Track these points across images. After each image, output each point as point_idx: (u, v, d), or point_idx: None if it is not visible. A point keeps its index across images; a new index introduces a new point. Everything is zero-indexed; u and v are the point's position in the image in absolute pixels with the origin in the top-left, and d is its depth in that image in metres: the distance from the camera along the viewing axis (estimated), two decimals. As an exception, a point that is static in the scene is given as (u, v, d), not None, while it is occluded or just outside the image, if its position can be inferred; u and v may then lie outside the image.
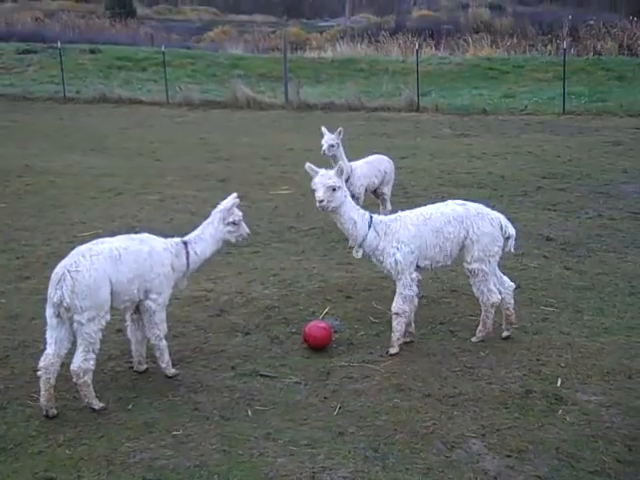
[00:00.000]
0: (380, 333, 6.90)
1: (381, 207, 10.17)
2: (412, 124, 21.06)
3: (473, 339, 6.69)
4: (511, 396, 5.68)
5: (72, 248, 5.67)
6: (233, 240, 6.31)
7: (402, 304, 6.39)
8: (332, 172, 6.28)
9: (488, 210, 6.64)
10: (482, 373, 6.08)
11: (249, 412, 5.54)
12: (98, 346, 5.49)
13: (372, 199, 10.29)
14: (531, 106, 22.92)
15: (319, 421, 5.38)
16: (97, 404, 5.55)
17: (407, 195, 12.33)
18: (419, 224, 6.38)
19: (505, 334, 6.74)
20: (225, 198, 6.28)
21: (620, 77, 26.11)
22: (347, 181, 8.80)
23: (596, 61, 28.10)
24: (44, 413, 5.44)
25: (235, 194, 6.28)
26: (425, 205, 6.77)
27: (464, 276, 6.86)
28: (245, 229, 6.30)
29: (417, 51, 26.02)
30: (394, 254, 6.30)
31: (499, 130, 19.62)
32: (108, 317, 5.52)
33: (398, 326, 6.43)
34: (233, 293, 8.07)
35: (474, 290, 6.62)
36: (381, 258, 6.39)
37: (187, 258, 6.07)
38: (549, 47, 31.16)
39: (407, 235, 6.32)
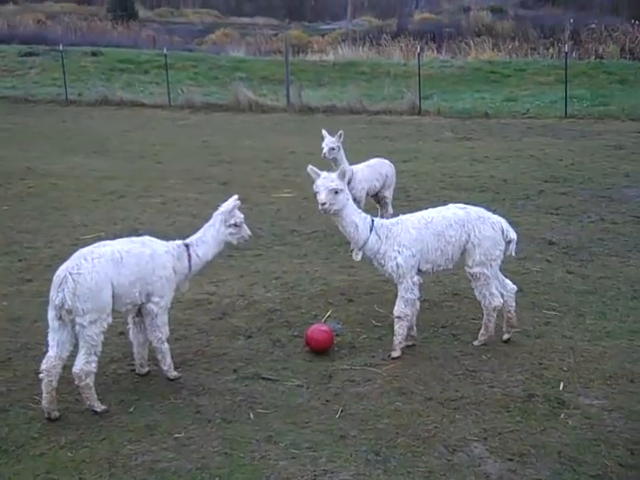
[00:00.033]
0: (382, 336, 6.89)
1: (381, 211, 10.13)
2: (414, 127, 21.06)
3: (475, 343, 6.69)
4: (513, 400, 5.67)
5: (74, 251, 5.66)
6: (235, 242, 6.32)
7: (404, 308, 6.39)
8: (334, 175, 6.28)
9: (489, 214, 6.64)
10: (484, 377, 6.07)
11: (251, 415, 5.53)
12: (100, 349, 5.49)
13: (371, 203, 10.26)
14: (533, 110, 22.91)
15: (321, 424, 5.38)
16: (99, 406, 5.55)
17: (409, 198, 12.33)
18: (420, 228, 6.38)
19: (506, 337, 6.75)
20: (226, 200, 6.29)
21: (622, 81, 26.12)
22: (348, 184, 8.79)
23: (598, 65, 28.11)
24: (46, 415, 5.44)
25: (236, 196, 6.29)
26: (427, 209, 6.77)
27: (466, 280, 6.86)
28: (247, 231, 6.30)
29: (419, 54, 26.05)
30: (395, 258, 6.30)
31: (501, 134, 19.63)
32: (110, 320, 5.52)
33: (400, 330, 6.43)
34: (235, 296, 8.07)
35: (476, 294, 6.62)
36: (382, 262, 6.39)
37: (189, 261, 6.07)
38: (551, 50, 31.18)
39: (408, 239, 6.32)
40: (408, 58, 30.56)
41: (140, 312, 5.94)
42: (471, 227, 6.44)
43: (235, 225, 6.20)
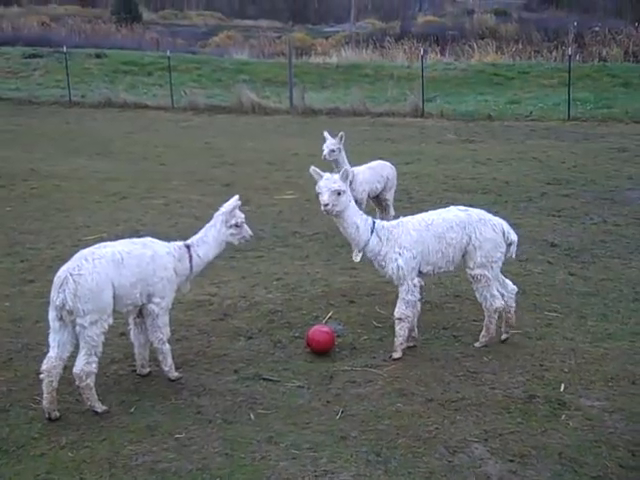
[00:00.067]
0: (383, 338, 6.89)
1: (382, 213, 10.09)
2: (417, 130, 21.07)
3: (476, 344, 6.68)
4: (514, 401, 5.66)
5: (76, 252, 5.67)
6: (236, 242, 6.32)
7: (405, 309, 6.38)
8: (337, 176, 6.28)
9: (490, 216, 6.64)
10: (485, 378, 6.07)
11: (251, 416, 5.53)
12: (101, 349, 5.49)
13: (371, 206, 10.23)
14: (536, 112, 22.92)
15: (321, 425, 5.38)
16: (100, 407, 5.55)
17: (412, 200, 12.33)
18: (421, 230, 6.38)
19: (504, 336, 6.75)
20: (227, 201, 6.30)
21: (626, 83, 26.10)
22: (349, 186, 8.80)
23: (601, 67, 28.11)
24: (47, 416, 5.45)
25: (237, 196, 6.29)
26: (429, 211, 6.77)
27: (467, 281, 6.85)
28: (248, 231, 6.30)
29: (422, 57, 26.04)
30: (396, 259, 6.29)
31: (504, 136, 19.62)
32: (111, 320, 5.53)
33: (401, 331, 6.43)
34: (236, 297, 8.07)
35: (477, 296, 6.62)
36: (383, 263, 6.39)
37: (190, 261, 6.07)
38: (554, 53, 31.16)
39: (409, 241, 6.32)
40: (411, 61, 30.55)
41: (141, 313, 5.95)
42: (472, 229, 6.44)
43: (236, 225, 6.20)
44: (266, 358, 6.55)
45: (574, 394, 5.77)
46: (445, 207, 6.79)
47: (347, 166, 9.03)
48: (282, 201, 12.65)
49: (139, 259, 5.72)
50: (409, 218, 6.57)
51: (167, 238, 6.31)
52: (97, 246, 5.69)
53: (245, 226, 6.27)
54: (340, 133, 9.55)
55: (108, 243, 5.80)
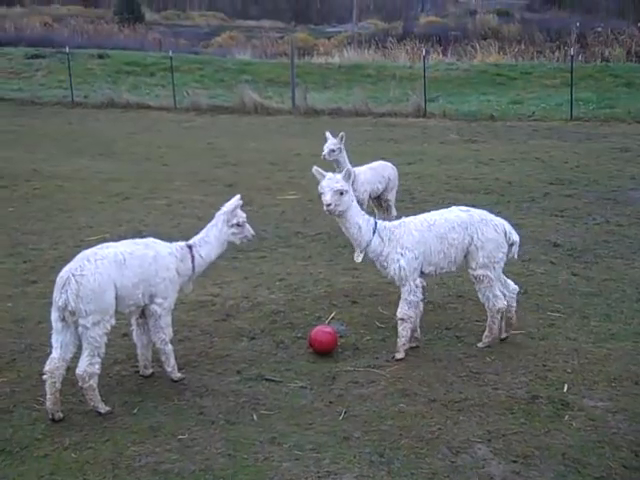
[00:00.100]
0: (386, 338, 6.89)
1: (384, 214, 10.06)
2: (419, 130, 21.06)
3: (479, 344, 6.68)
4: (517, 401, 5.66)
5: (79, 252, 5.67)
6: (238, 242, 6.32)
7: (407, 310, 6.38)
8: (339, 176, 6.28)
9: (492, 216, 6.64)
10: (488, 378, 6.06)
11: (254, 416, 5.53)
12: (103, 350, 5.50)
13: (370, 206, 10.20)
14: (539, 112, 22.89)
15: (324, 426, 5.38)
16: (103, 408, 5.56)
17: (414, 201, 12.32)
18: (423, 230, 6.38)
19: (503, 335, 6.76)
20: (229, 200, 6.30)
21: (628, 84, 26.07)
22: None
23: (604, 68, 28.07)
24: (50, 417, 5.45)
25: (238, 196, 6.29)
26: (431, 211, 6.77)
27: (470, 282, 6.83)
28: (250, 230, 6.30)
29: (424, 57, 26.02)
30: (398, 260, 6.29)
31: (506, 136, 19.60)
32: (113, 321, 5.53)
33: (404, 331, 6.43)
34: (239, 298, 8.07)
35: (479, 296, 6.62)
36: (385, 264, 6.39)
37: (192, 262, 6.07)
38: (557, 53, 31.12)
39: (411, 241, 6.32)
40: (414, 61, 30.54)
41: (144, 313, 5.95)
42: (474, 230, 6.43)
43: (237, 225, 6.20)
44: (269, 359, 6.55)
45: (577, 394, 5.77)
46: (447, 207, 6.80)
47: (349, 166, 9.02)
48: (285, 201, 12.65)
49: (141, 260, 5.72)
50: (411, 218, 6.56)
51: (170, 239, 6.32)
52: (99, 247, 5.69)
53: (247, 225, 6.27)
54: (341, 133, 9.54)
55: (110, 244, 5.80)
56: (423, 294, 6.51)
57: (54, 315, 5.42)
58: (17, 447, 5.14)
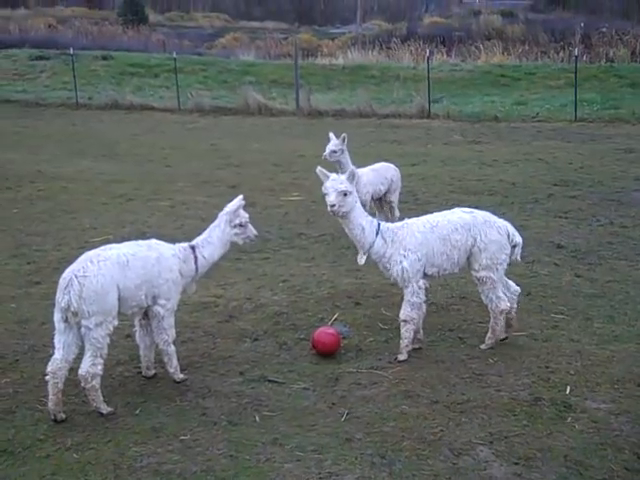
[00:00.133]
0: (389, 340, 6.88)
1: (382, 215, 10.02)
2: (423, 131, 21.05)
3: (482, 346, 6.67)
4: (519, 403, 5.65)
5: (82, 253, 5.68)
6: (241, 242, 6.31)
7: (410, 311, 6.38)
8: (344, 177, 6.29)
9: (495, 218, 6.63)
10: (491, 380, 6.05)
11: (257, 417, 5.53)
12: (106, 351, 5.50)
13: (372, 209, 10.19)
14: (543, 113, 22.86)
15: (326, 427, 5.37)
16: (105, 409, 5.56)
17: (418, 202, 12.31)
18: (426, 231, 6.37)
19: (502, 336, 6.74)
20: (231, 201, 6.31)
21: (633, 84, 26.00)
22: (353, 188, 8.79)
23: (608, 68, 28.02)
24: (52, 417, 5.46)
25: (241, 196, 6.30)
26: (434, 212, 6.77)
27: (473, 283, 6.83)
28: (252, 231, 6.30)
29: (428, 58, 26.01)
30: (401, 262, 6.29)
31: (510, 137, 19.58)
32: (116, 322, 5.54)
33: (406, 333, 6.42)
34: (242, 299, 8.07)
35: (482, 297, 6.61)
36: (388, 266, 6.38)
37: (195, 262, 6.07)
38: (561, 54, 31.06)
39: (414, 242, 6.31)
40: (418, 62, 30.53)
41: (147, 315, 5.96)
42: (477, 231, 6.42)
43: (240, 225, 6.20)
44: (271, 360, 6.55)
45: (580, 396, 5.75)
46: (450, 209, 6.79)
47: (352, 167, 8.99)
48: (288, 203, 12.66)
49: (144, 261, 5.73)
50: (414, 220, 6.56)
51: (173, 240, 6.32)
52: (102, 248, 5.70)
53: (249, 226, 6.27)
54: (343, 135, 9.52)
55: (113, 245, 5.81)
56: (426, 295, 6.51)
57: (57, 316, 5.43)
58: (19, 447, 5.15)
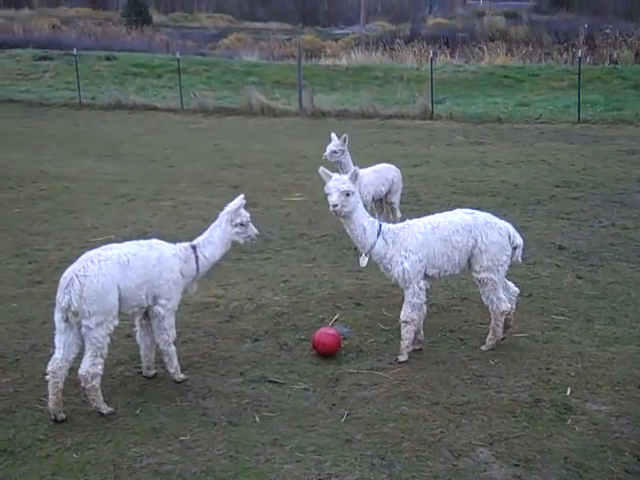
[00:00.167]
0: (389, 341, 6.88)
1: (382, 216, 10.02)
2: (426, 132, 21.04)
3: (483, 347, 6.66)
4: (520, 405, 5.64)
5: (83, 253, 5.69)
6: (242, 241, 6.31)
7: (410, 312, 6.37)
8: (346, 177, 6.29)
9: (496, 219, 6.62)
10: (491, 382, 6.05)
11: (257, 418, 5.53)
12: (106, 351, 5.50)
13: (373, 210, 10.17)
14: (546, 114, 22.83)
15: (326, 428, 5.37)
16: (105, 409, 5.57)
17: (420, 203, 12.30)
18: (427, 232, 6.36)
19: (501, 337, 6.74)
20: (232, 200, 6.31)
21: (636, 86, 25.95)
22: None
23: (612, 70, 27.98)
24: (52, 417, 5.46)
25: (242, 195, 6.30)
26: (436, 213, 6.76)
27: (474, 284, 6.82)
28: (253, 230, 6.30)
29: (432, 59, 26.00)
30: (402, 263, 6.28)
31: (513, 138, 19.57)
32: (116, 322, 5.54)
33: (407, 334, 6.42)
34: (243, 299, 8.07)
35: (483, 299, 6.60)
36: (389, 267, 6.38)
37: (196, 262, 6.07)
38: (565, 55, 31.04)
39: (415, 244, 6.31)
40: (421, 63, 30.51)
41: (147, 314, 5.96)
42: (478, 232, 6.42)
43: (241, 224, 6.20)
44: (272, 360, 6.55)
45: (580, 398, 5.75)
46: (452, 210, 6.79)
47: (355, 167, 8.96)
48: (290, 203, 12.66)
49: (145, 261, 5.73)
50: (415, 221, 6.55)
51: (175, 240, 6.31)
52: (103, 248, 5.70)
53: (251, 225, 6.27)
54: (344, 135, 9.48)
55: (114, 245, 5.82)
56: (427, 297, 6.51)
57: (57, 315, 5.43)
58: (19, 447, 5.15)
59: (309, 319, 7.46)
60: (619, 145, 17.99)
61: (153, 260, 5.78)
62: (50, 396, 5.43)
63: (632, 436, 5.18)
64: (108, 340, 5.48)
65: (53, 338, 5.52)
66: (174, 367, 6.05)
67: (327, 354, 6.55)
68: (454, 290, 8.19)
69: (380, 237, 6.35)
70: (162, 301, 5.85)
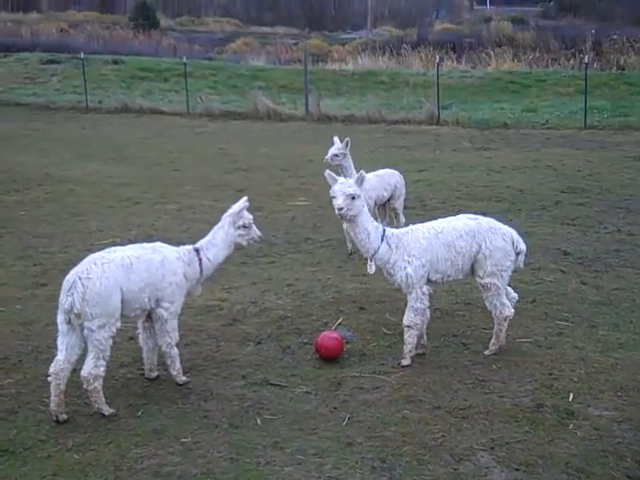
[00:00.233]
0: (392, 345, 6.88)
1: (384, 221, 9.99)
2: (432, 137, 21.02)
3: (486, 352, 6.66)
4: (522, 410, 5.63)
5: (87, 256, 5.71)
6: (245, 244, 6.32)
7: (413, 317, 6.37)
8: (352, 180, 6.30)
9: (500, 225, 6.61)
10: (494, 386, 6.04)
11: (258, 421, 5.54)
12: (109, 353, 5.52)
13: (375, 215, 10.15)
14: (552, 120, 22.76)
15: (328, 431, 5.37)
16: (107, 410, 5.58)
17: (425, 208, 12.29)
18: (431, 238, 6.36)
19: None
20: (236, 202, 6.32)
21: (643, 92, 25.92)
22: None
23: (619, 75, 27.90)
24: (54, 418, 5.47)
25: (245, 197, 6.32)
26: (441, 218, 6.76)
27: (478, 289, 6.81)
28: (256, 232, 6.30)
29: (438, 64, 25.99)
30: (405, 268, 6.28)
31: (519, 144, 19.52)
32: (119, 324, 5.56)
33: (410, 338, 6.41)
34: (247, 303, 8.08)
35: (487, 304, 6.60)
36: (392, 271, 6.38)
37: (200, 265, 6.08)
38: (572, 61, 30.97)
39: (418, 249, 6.30)
40: (428, 68, 30.48)
41: (150, 317, 5.97)
42: (482, 238, 6.41)
43: (244, 226, 6.21)
44: (274, 363, 6.55)
45: (583, 403, 5.73)
46: (457, 215, 6.78)
47: (354, 172, 8.97)
48: (295, 207, 12.66)
49: (148, 264, 5.74)
50: (419, 226, 6.55)
51: (179, 243, 6.33)
52: (107, 250, 5.72)
53: (254, 227, 6.28)
54: (346, 138, 9.43)
55: (118, 248, 5.84)
56: (430, 301, 6.50)
57: (60, 317, 5.45)
58: (20, 448, 5.17)
59: (312, 323, 7.47)
60: (625, 151, 17.93)
61: (156, 263, 5.79)
62: (52, 397, 5.44)
63: (634, 442, 5.17)
64: (110, 342, 5.50)
65: (56, 340, 5.53)
66: (176, 369, 6.06)
67: (330, 358, 6.55)
68: (458, 295, 8.18)
69: (384, 242, 6.35)
70: (165, 304, 5.87)
